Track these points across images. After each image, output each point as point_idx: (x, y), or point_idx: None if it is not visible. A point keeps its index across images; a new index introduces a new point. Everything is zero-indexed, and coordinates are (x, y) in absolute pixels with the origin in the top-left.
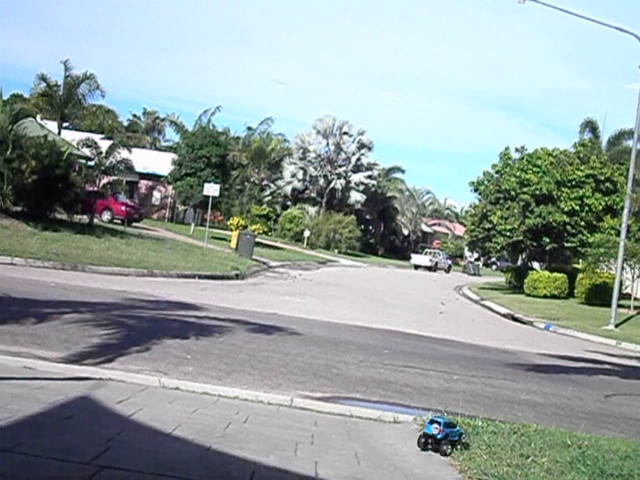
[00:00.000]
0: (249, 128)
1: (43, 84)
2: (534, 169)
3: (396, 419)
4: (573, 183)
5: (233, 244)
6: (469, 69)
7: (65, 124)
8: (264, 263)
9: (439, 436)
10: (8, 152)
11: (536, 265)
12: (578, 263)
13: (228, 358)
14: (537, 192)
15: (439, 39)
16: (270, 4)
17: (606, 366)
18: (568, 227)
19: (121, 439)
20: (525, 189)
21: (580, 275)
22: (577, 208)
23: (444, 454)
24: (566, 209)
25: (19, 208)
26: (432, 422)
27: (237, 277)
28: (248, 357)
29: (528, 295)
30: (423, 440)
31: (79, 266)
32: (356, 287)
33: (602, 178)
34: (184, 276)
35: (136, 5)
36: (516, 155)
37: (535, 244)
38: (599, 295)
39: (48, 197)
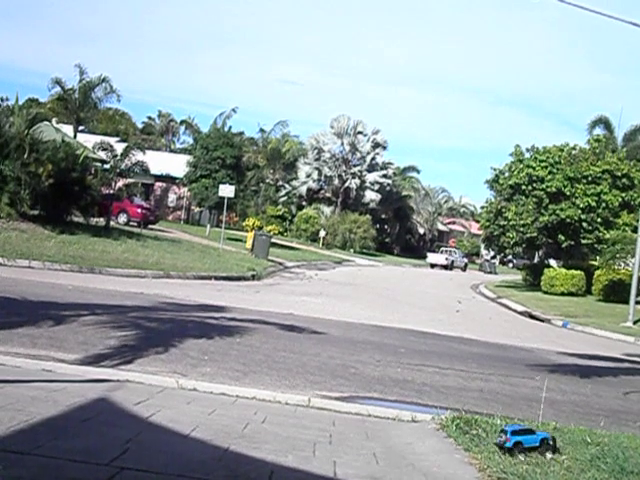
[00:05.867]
0: (262, 130)
1: (58, 88)
2: (542, 165)
3: (414, 418)
4: (589, 179)
5: (249, 245)
6: (483, 66)
7: (81, 128)
8: (280, 264)
9: (507, 445)
10: (25, 156)
11: (553, 262)
12: (595, 260)
13: (245, 359)
14: (548, 189)
15: (453, 36)
16: (282, 4)
17: (625, 364)
18: (584, 224)
19: (140, 440)
20: (535, 185)
21: (597, 272)
22: (594, 204)
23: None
24: (582, 205)
25: (36, 212)
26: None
27: (253, 278)
28: (265, 357)
29: (545, 293)
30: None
31: (96, 269)
32: (372, 286)
33: (619, 174)
34: (200, 277)
35: (147, 7)
36: (528, 154)
37: (551, 241)
38: (617, 292)
39: (65, 200)
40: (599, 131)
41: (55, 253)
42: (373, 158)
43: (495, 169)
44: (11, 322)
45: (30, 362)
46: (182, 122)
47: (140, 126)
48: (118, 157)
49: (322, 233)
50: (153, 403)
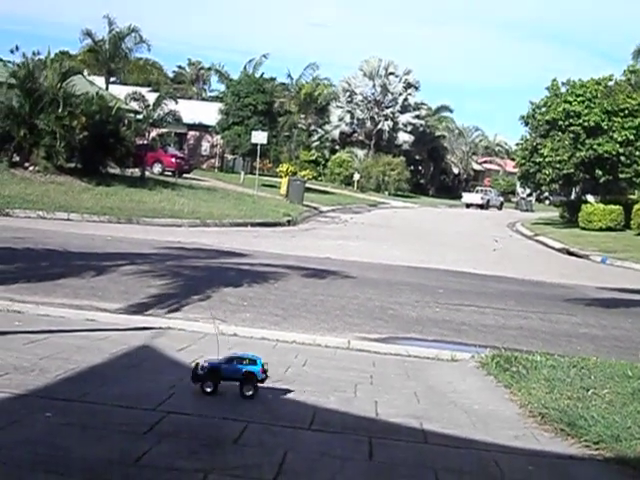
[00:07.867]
0: (289, 75)
1: (89, 40)
2: (579, 99)
3: (454, 357)
4: (626, 112)
5: (283, 191)
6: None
7: (112, 79)
8: (315, 208)
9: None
10: (59, 110)
11: (590, 198)
12: (634, 194)
13: (284, 303)
14: (585, 124)
15: None
16: None
17: None
18: (622, 158)
19: (184, 385)
20: (572, 120)
21: (636, 206)
22: (632, 138)
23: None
24: (620, 139)
25: (72, 165)
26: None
27: (289, 223)
28: (303, 302)
29: (583, 229)
30: None
31: (133, 219)
32: (408, 228)
33: None
34: (236, 225)
35: None
36: (564, 88)
37: (588, 177)
38: None
39: (100, 152)
40: None
41: (93, 205)
42: (405, 99)
43: (533, 103)
44: (53, 273)
45: (73, 312)
46: (209, 69)
47: (171, 75)
48: (150, 107)
49: (356, 176)
50: (195, 349)
